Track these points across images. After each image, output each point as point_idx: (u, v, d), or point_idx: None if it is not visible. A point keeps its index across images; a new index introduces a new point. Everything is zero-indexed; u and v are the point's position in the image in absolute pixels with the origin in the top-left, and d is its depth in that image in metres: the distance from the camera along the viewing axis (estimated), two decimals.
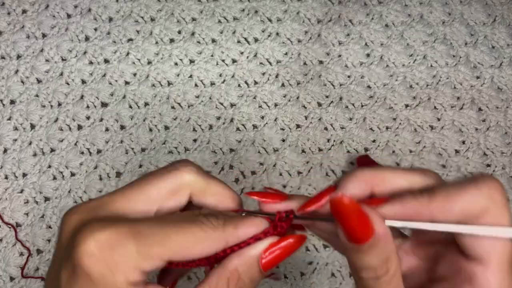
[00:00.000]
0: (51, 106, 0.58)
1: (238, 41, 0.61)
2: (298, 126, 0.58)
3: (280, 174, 0.56)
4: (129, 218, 0.23)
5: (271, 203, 0.26)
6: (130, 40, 0.61)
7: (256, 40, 0.61)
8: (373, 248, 0.22)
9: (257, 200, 0.27)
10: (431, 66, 0.61)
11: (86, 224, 0.22)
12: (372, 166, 0.56)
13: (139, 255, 0.22)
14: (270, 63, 0.61)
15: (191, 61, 0.60)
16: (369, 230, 0.22)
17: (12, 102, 0.58)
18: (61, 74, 0.59)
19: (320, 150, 0.57)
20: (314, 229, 0.27)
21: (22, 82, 0.58)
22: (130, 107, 0.58)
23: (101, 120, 0.57)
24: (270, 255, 0.25)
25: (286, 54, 0.61)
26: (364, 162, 0.56)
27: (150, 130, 0.57)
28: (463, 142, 0.58)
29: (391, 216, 0.23)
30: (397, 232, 0.26)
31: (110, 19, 0.62)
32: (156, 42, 0.61)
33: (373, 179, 0.24)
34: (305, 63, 0.61)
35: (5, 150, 0.56)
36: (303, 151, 0.57)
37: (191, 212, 0.25)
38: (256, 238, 0.26)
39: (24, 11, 0.61)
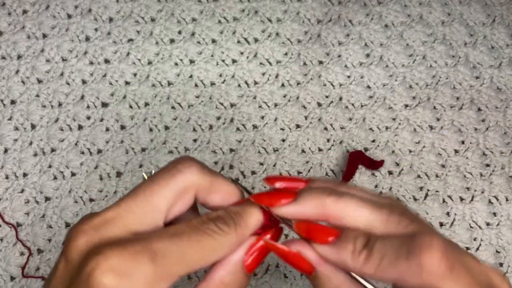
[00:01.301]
0: (52, 106, 0.58)
1: (238, 41, 0.62)
2: (298, 126, 0.58)
3: (280, 174, 0.56)
4: (139, 234, 0.23)
5: (281, 207, 0.26)
6: (130, 40, 0.61)
7: (256, 40, 0.62)
8: (317, 281, 0.24)
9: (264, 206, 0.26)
10: (431, 66, 0.62)
11: (97, 249, 0.21)
12: (366, 163, 0.56)
13: (157, 277, 0.21)
14: (270, 63, 0.61)
15: (191, 61, 0.61)
16: (307, 267, 0.24)
17: (13, 102, 0.58)
18: (62, 74, 0.59)
19: (320, 150, 0.58)
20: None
21: (23, 82, 0.59)
22: (131, 107, 0.58)
23: (102, 120, 0.57)
24: (252, 255, 0.25)
25: (286, 54, 0.61)
26: (356, 158, 0.56)
27: (151, 130, 0.57)
28: (463, 142, 0.59)
29: (327, 257, 0.24)
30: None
31: (111, 20, 0.62)
32: (157, 43, 0.61)
33: (331, 211, 0.25)
34: (305, 63, 0.61)
35: (5, 150, 0.56)
36: (303, 151, 0.57)
37: (200, 219, 0.24)
38: (255, 233, 0.26)
39: (24, 12, 0.62)
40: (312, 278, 0.25)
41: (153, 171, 0.28)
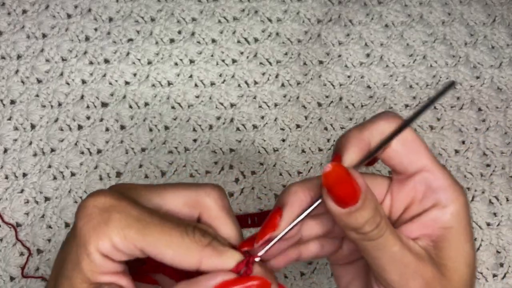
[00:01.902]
0: (51, 106, 0.58)
1: (238, 41, 0.61)
2: (298, 126, 0.58)
3: (280, 174, 0.56)
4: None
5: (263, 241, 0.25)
6: (130, 40, 0.61)
7: (256, 40, 0.62)
8: (366, 202, 0.24)
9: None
10: (431, 66, 0.61)
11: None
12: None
13: (117, 231, 0.22)
14: (270, 63, 0.61)
15: (191, 61, 0.60)
16: (357, 192, 0.24)
17: (12, 102, 0.58)
18: (61, 74, 0.59)
19: (320, 150, 0.57)
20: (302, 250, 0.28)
21: (22, 82, 0.58)
22: (130, 107, 0.58)
23: (101, 120, 0.57)
24: None
25: (286, 54, 0.61)
26: None
27: (150, 130, 0.57)
28: (463, 142, 0.58)
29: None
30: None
31: (110, 19, 0.62)
32: (156, 42, 0.61)
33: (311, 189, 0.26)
34: (305, 63, 0.61)
35: (5, 150, 0.56)
36: (303, 151, 0.57)
37: (189, 221, 0.25)
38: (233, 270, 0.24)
39: (24, 11, 0.61)
40: (355, 210, 0.23)
41: None
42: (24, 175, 0.55)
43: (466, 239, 0.26)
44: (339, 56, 0.61)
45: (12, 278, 0.52)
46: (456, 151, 0.58)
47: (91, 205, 0.23)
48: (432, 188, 0.25)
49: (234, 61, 0.61)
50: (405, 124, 0.24)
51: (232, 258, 0.24)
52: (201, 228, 0.24)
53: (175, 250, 0.23)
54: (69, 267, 0.23)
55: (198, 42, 0.61)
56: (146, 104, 0.58)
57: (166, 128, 0.58)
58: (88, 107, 0.58)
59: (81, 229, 0.22)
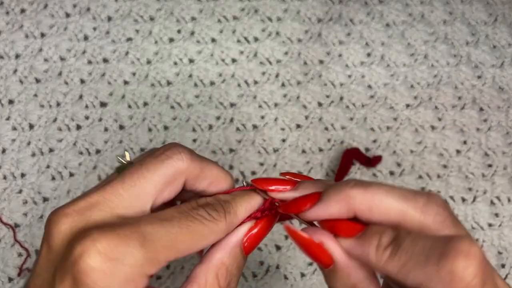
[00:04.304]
0: (50, 106, 0.57)
1: (238, 41, 0.61)
2: (298, 126, 0.58)
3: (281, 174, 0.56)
4: (126, 219, 0.22)
5: (279, 192, 0.26)
6: (129, 39, 0.60)
7: (256, 39, 0.61)
8: (335, 274, 0.23)
9: (266, 190, 0.26)
10: (432, 65, 0.61)
11: (83, 232, 0.21)
12: (362, 160, 0.55)
13: (146, 261, 0.21)
14: (270, 62, 0.60)
15: (191, 61, 0.60)
16: (327, 259, 0.23)
17: (11, 102, 0.57)
18: (60, 73, 0.59)
19: (320, 150, 0.57)
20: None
21: (21, 81, 0.58)
22: (129, 106, 0.58)
23: (100, 120, 0.57)
24: (250, 238, 0.25)
25: (286, 53, 0.61)
26: (350, 156, 0.55)
27: (150, 130, 0.57)
28: (465, 142, 0.58)
29: (350, 251, 0.23)
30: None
31: (109, 18, 0.61)
32: (156, 42, 0.61)
33: (358, 203, 0.23)
34: (305, 63, 0.60)
35: (3, 150, 0.55)
36: (303, 151, 0.57)
37: (190, 205, 0.24)
38: (253, 217, 0.26)
39: (22, 10, 0.61)
40: (328, 272, 0.24)
41: (127, 154, 0.27)
42: (23, 175, 0.55)
43: None
44: (340, 55, 0.61)
45: (10, 279, 0.51)
46: (458, 151, 0.58)
47: (99, 261, 0.20)
48: None
49: (234, 60, 0.60)
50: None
51: (250, 204, 0.26)
52: (206, 203, 0.24)
53: (207, 240, 0.24)
54: None
55: (198, 42, 0.61)
56: (145, 103, 0.58)
57: (166, 128, 0.57)
58: (86, 106, 0.57)
59: (97, 284, 0.19)
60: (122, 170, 0.24)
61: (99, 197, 0.22)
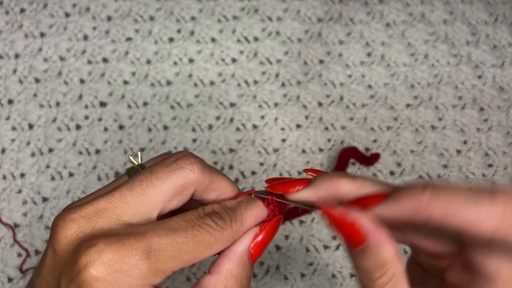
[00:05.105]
0: (50, 105, 0.57)
1: (238, 40, 0.61)
2: (298, 125, 0.58)
3: (281, 174, 0.56)
4: (132, 226, 0.22)
5: (295, 192, 0.26)
6: (129, 39, 0.60)
7: (256, 39, 0.61)
8: (365, 253, 0.22)
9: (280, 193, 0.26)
10: (433, 65, 0.61)
11: (89, 241, 0.21)
12: (360, 159, 0.55)
13: (151, 272, 0.21)
14: (270, 62, 0.60)
15: (191, 60, 0.60)
16: (359, 237, 0.22)
17: (10, 101, 0.57)
18: (60, 73, 0.58)
19: (320, 150, 0.57)
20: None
21: (20, 81, 0.58)
22: (129, 106, 0.58)
23: (100, 120, 0.57)
24: (256, 245, 0.25)
25: (286, 53, 0.61)
26: (347, 154, 0.55)
27: (149, 130, 0.57)
28: (465, 142, 0.58)
29: (387, 217, 0.23)
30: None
31: (109, 18, 0.61)
32: (155, 41, 0.60)
33: (346, 191, 0.24)
34: (305, 62, 0.60)
35: (3, 150, 0.55)
36: (303, 151, 0.57)
37: (196, 212, 0.24)
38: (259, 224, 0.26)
39: (22, 10, 0.61)
40: (357, 252, 0.23)
41: (139, 154, 0.27)
42: (22, 175, 0.55)
43: None
44: (340, 55, 0.61)
45: (10, 279, 0.51)
46: (458, 151, 0.58)
47: (103, 271, 0.20)
48: None
49: (234, 60, 0.60)
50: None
51: (255, 213, 0.26)
52: (213, 211, 0.24)
53: (212, 249, 0.24)
54: None
55: (198, 41, 0.61)
56: (145, 103, 0.58)
57: (165, 128, 0.57)
58: (86, 106, 0.57)
59: None
60: (133, 173, 0.24)
61: (107, 203, 0.22)
